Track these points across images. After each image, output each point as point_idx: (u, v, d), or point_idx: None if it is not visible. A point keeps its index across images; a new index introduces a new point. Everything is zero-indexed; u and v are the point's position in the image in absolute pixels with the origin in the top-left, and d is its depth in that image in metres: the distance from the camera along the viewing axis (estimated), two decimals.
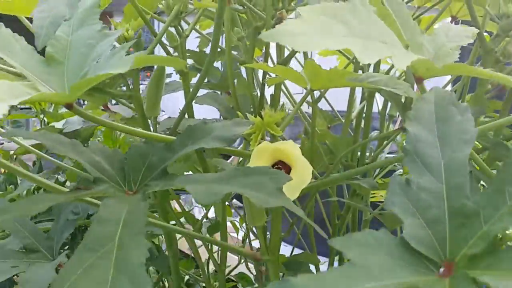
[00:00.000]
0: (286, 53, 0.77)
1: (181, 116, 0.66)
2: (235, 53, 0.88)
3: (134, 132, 0.50)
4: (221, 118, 0.83)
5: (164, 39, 0.71)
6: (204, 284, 0.98)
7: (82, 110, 0.44)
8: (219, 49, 0.94)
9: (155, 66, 0.67)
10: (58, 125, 0.94)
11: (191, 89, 1.14)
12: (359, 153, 0.97)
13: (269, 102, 0.82)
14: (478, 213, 0.31)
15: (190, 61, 1.02)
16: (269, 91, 0.82)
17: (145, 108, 0.67)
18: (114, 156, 0.47)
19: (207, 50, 0.97)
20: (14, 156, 1.09)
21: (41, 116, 1.11)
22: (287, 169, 0.53)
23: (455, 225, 0.31)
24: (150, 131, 0.69)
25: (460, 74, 0.58)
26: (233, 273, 1.21)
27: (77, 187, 0.42)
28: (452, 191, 0.32)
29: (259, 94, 0.79)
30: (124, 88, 0.68)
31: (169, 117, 0.76)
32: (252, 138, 0.51)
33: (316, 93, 0.97)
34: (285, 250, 0.97)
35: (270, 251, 0.60)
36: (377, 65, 0.89)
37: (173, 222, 0.92)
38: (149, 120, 0.83)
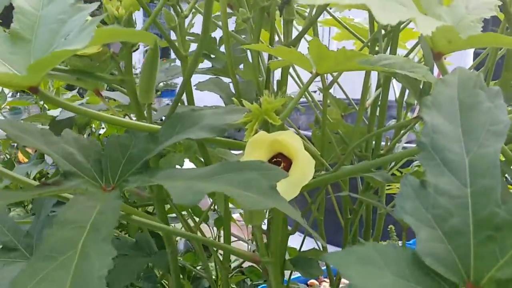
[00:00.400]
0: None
1: (175, 103, 0.60)
2: (243, 36, 0.82)
3: (111, 120, 0.45)
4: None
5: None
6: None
7: (49, 95, 0.39)
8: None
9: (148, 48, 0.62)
10: (56, 112, 0.90)
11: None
12: (374, 143, 0.91)
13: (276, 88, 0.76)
14: (511, 226, 0.25)
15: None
16: (277, 77, 0.76)
17: (138, 94, 0.62)
18: (90, 148, 0.41)
19: (215, 34, 0.91)
20: (15, 144, 1.05)
21: (41, 102, 1.07)
22: (288, 163, 0.47)
23: (481, 239, 0.25)
24: (144, 118, 0.64)
25: (490, 45, 0.51)
26: (244, 265, 1.16)
27: (45, 183, 0.37)
28: (478, 196, 0.26)
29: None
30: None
31: (167, 104, 0.70)
32: (247, 127, 0.45)
33: (329, 79, 0.90)
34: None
35: (270, 252, 0.54)
36: (393, 49, 0.82)
37: (174, 215, 0.87)
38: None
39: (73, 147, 0.41)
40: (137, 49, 0.62)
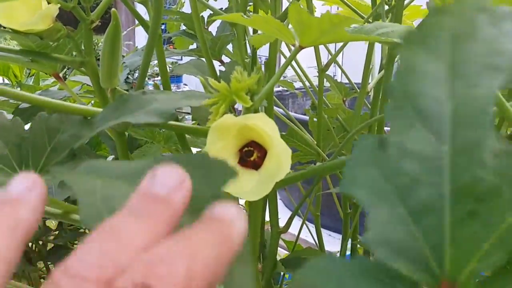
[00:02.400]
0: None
1: (139, 85, 0.52)
2: None
3: (48, 104, 0.37)
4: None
5: None
6: None
7: None
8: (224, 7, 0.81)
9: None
10: None
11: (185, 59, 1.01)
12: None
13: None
14: (500, 193, 0.17)
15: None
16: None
17: (100, 78, 0.54)
18: (12, 130, 0.34)
19: (203, 13, 0.83)
20: None
21: (18, 89, 1.00)
22: (262, 152, 0.39)
23: (461, 217, 0.17)
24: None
25: None
26: None
27: None
28: (459, 155, 0.18)
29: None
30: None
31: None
32: (212, 110, 0.37)
33: (325, 60, 0.82)
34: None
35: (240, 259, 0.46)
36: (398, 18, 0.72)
37: None
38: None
39: None
40: (96, 26, 0.54)
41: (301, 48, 0.43)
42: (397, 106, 0.20)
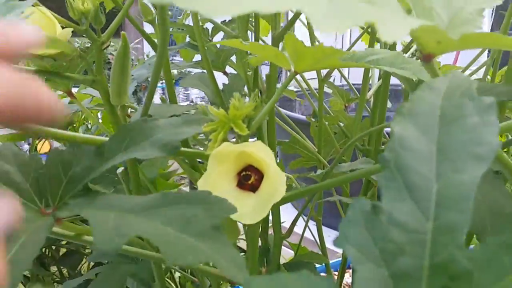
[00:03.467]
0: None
1: (148, 102, 0.56)
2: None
3: (53, 134, 0.39)
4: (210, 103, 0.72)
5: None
6: None
7: None
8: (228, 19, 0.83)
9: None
10: None
11: (187, 71, 1.03)
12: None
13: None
14: (471, 277, 0.20)
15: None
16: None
17: (110, 95, 0.57)
18: (30, 164, 0.37)
19: (207, 25, 0.86)
20: None
21: None
22: (259, 175, 0.42)
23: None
24: (119, 121, 0.60)
25: (483, 46, 0.44)
26: None
27: None
28: (441, 233, 0.21)
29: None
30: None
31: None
32: (212, 137, 0.40)
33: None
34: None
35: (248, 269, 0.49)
36: None
37: None
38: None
39: (11, 164, 0.37)
40: (108, 46, 0.58)
41: (296, 73, 0.46)
42: (390, 177, 0.23)
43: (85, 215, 0.30)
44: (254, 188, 0.41)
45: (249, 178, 0.41)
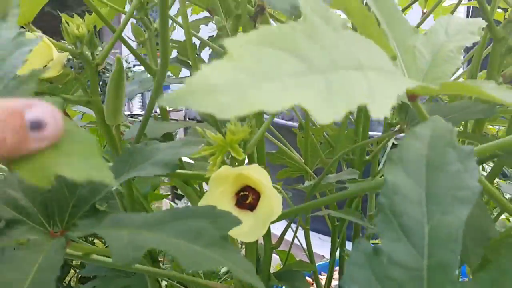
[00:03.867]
0: None
1: (144, 122, 0.57)
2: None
3: None
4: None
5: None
6: None
7: None
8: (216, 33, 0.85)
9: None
10: None
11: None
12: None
13: None
14: None
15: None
16: None
17: (105, 116, 0.59)
18: (37, 189, 0.39)
19: (195, 40, 0.88)
20: None
21: None
22: (256, 195, 0.44)
23: None
24: (114, 139, 0.61)
25: (462, 93, 0.48)
26: None
27: None
28: (435, 270, 0.24)
29: None
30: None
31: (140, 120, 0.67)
32: (211, 161, 0.42)
33: None
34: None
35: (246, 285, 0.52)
36: None
37: None
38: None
39: (17, 190, 0.38)
40: (102, 69, 0.59)
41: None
42: (386, 220, 0.26)
43: (100, 232, 0.32)
44: (251, 207, 0.44)
45: (246, 198, 0.44)
